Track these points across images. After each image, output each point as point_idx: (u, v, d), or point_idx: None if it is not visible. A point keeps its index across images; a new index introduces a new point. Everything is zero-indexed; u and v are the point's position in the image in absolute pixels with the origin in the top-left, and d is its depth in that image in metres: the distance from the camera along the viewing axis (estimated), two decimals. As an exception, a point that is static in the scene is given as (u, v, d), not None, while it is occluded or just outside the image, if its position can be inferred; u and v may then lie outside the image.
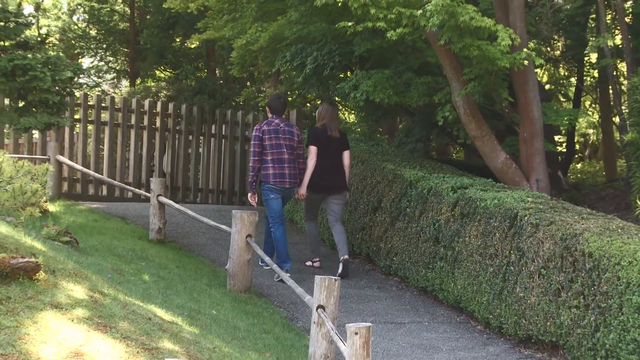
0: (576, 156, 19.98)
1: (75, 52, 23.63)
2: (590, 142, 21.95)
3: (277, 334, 7.07)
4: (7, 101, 12.38)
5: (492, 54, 8.97)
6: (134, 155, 14.89)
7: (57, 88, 11.19)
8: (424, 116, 12.82)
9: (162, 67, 22.91)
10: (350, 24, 9.43)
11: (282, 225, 9.30)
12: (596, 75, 15.49)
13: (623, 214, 10.17)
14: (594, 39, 12.44)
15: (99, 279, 6.30)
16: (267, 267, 9.36)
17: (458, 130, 11.08)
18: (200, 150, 15.71)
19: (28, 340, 4.47)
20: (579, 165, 20.46)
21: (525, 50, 9.27)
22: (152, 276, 8.00)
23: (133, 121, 14.84)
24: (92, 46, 23.54)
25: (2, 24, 10.98)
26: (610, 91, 12.96)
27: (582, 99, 17.02)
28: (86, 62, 24.59)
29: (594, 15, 13.42)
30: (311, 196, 9.69)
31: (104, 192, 14.60)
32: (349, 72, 13.14)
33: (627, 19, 12.16)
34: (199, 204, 14.51)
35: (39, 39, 11.82)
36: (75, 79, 12.43)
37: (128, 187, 12.67)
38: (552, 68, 16.61)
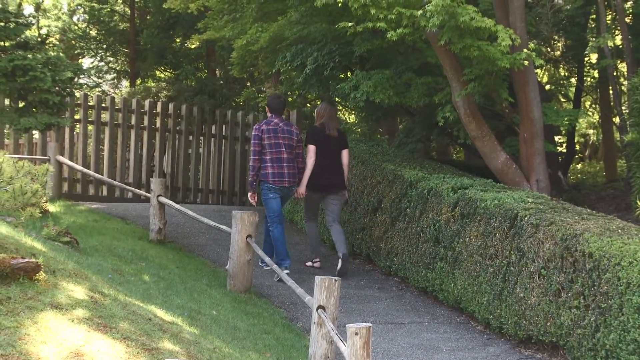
0: (576, 156, 19.97)
1: (76, 52, 23.64)
2: (590, 142, 21.95)
3: (278, 334, 7.07)
4: (7, 101, 12.38)
5: (493, 54, 8.97)
6: (134, 156, 14.89)
7: (57, 88, 11.19)
8: (424, 116, 12.82)
9: (162, 68, 22.91)
10: (350, 24, 9.43)
11: (281, 224, 9.32)
12: (596, 75, 15.50)
13: (623, 215, 10.18)
14: (594, 39, 12.45)
15: (99, 279, 6.30)
16: (267, 268, 9.36)
17: (458, 131, 11.08)
18: (201, 150, 15.71)
19: (28, 341, 4.47)
20: (579, 166, 20.46)
21: (525, 50, 9.27)
22: (153, 276, 8.00)
23: (133, 121, 14.84)
24: (92, 46, 23.55)
25: (2, 24, 10.98)
26: (611, 91, 12.96)
27: (582, 100, 17.02)
28: (86, 62, 24.61)
29: (594, 16, 13.42)
30: (310, 195, 9.70)
31: (104, 193, 14.60)
32: (349, 73, 13.15)
33: (627, 20, 12.16)
34: (199, 205, 14.51)
35: (39, 39, 11.82)
36: (76, 80, 12.42)
37: (128, 187, 12.67)
38: (553, 68, 16.61)
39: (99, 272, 6.94)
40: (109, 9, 22.96)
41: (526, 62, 9.32)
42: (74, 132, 14.93)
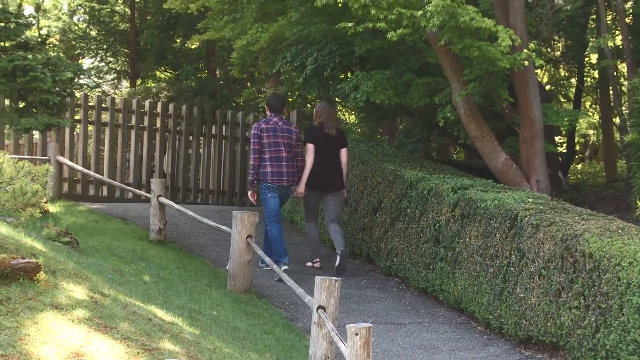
0: (576, 157, 19.97)
1: (76, 52, 23.64)
2: (590, 142, 21.94)
3: (278, 334, 7.07)
4: (7, 102, 12.38)
5: (493, 54, 8.97)
6: (135, 156, 14.89)
7: (57, 89, 11.19)
8: (425, 117, 12.82)
9: (163, 68, 22.91)
10: (350, 24, 9.43)
11: (278, 223, 9.36)
12: (596, 76, 15.50)
13: (623, 215, 10.18)
14: (594, 39, 12.45)
15: (99, 279, 6.30)
16: (268, 268, 9.36)
17: (458, 131, 11.08)
18: (201, 151, 15.71)
19: (28, 341, 4.47)
20: (579, 166, 20.46)
21: (525, 51, 9.27)
22: (153, 277, 8.00)
23: (133, 122, 14.84)
24: (92, 47, 23.55)
25: (2, 24, 10.98)
26: (611, 92, 12.96)
27: (582, 100, 17.02)
28: (86, 62, 24.61)
29: (594, 16, 13.42)
30: (309, 194, 9.71)
31: (105, 193, 14.60)
32: (349, 73, 13.15)
33: (627, 20, 12.16)
34: (199, 205, 14.51)
35: (39, 39, 11.82)
36: (76, 80, 12.42)
37: (128, 187, 12.68)
38: (553, 69, 16.61)
39: (99, 273, 6.94)
40: (109, 10, 22.96)
41: (526, 63, 9.32)
42: (74, 133, 14.93)
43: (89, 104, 14.54)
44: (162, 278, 8.08)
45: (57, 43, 22.96)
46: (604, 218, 7.22)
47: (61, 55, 12.27)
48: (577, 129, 15.73)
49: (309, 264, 9.88)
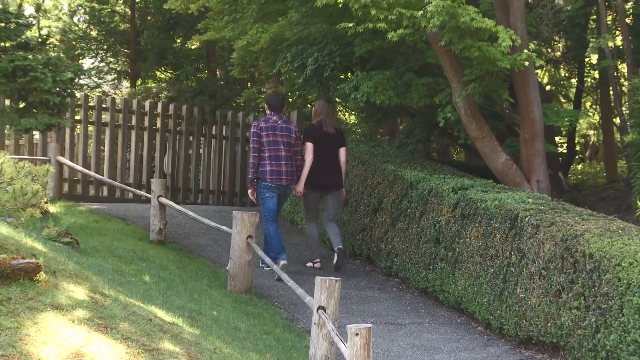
0: (577, 157, 19.97)
1: (76, 53, 23.63)
2: (590, 143, 21.94)
3: (278, 335, 7.07)
4: (7, 102, 12.38)
5: (493, 55, 8.97)
6: (135, 156, 14.88)
7: (57, 89, 11.19)
8: (425, 117, 12.82)
9: (163, 68, 22.91)
10: (350, 25, 9.43)
11: (275, 223, 9.39)
12: (597, 76, 15.50)
13: (624, 215, 10.18)
14: (594, 40, 12.44)
15: (99, 279, 6.30)
16: (268, 268, 9.37)
17: (459, 131, 11.08)
18: (201, 151, 15.70)
19: (29, 341, 4.47)
20: (579, 166, 20.46)
21: (525, 51, 9.27)
22: (153, 277, 8.00)
23: (134, 122, 14.83)
24: (92, 47, 23.54)
25: (2, 24, 10.98)
26: (611, 92, 12.96)
27: (582, 100, 17.02)
28: (87, 63, 24.59)
29: (594, 17, 13.42)
30: (308, 193, 9.73)
31: (105, 193, 14.59)
32: (349, 73, 13.15)
33: (627, 20, 12.16)
34: (199, 205, 14.51)
35: (39, 39, 11.82)
36: (76, 80, 12.43)
37: (129, 188, 12.68)
38: (553, 69, 16.61)
39: (100, 273, 6.94)
40: (109, 10, 22.95)
41: (526, 63, 9.32)
42: (75, 133, 14.92)
43: (89, 104, 14.54)
44: (163, 278, 8.08)
45: (58, 43, 22.95)
46: (604, 218, 7.22)
47: (61, 55, 12.28)
48: (577, 129, 15.73)
49: (310, 264, 9.88)
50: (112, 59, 23.99)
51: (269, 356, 6.32)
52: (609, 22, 12.67)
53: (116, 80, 25.25)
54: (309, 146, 9.61)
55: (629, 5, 12.67)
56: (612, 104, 13.37)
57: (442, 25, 8.81)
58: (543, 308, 6.89)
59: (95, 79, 24.28)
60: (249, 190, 9.51)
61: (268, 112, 9.58)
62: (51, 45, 20.49)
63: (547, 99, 12.45)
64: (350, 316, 7.85)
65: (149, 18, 22.32)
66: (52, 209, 10.91)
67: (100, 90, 23.63)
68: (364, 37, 11.25)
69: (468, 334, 7.74)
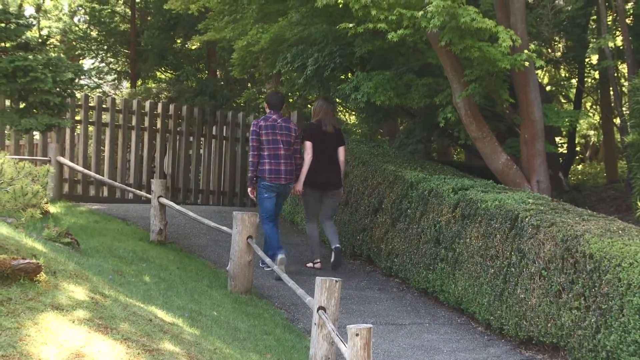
0: (577, 157, 19.97)
1: (76, 53, 23.63)
2: (591, 143, 21.94)
3: (278, 335, 7.07)
4: (8, 102, 12.38)
5: (493, 55, 8.97)
6: (135, 157, 14.88)
7: (58, 89, 11.19)
8: (425, 117, 12.82)
9: (163, 69, 22.91)
10: (351, 25, 9.43)
11: (272, 222, 9.41)
12: (597, 76, 15.50)
13: (624, 216, 10.18)
14: (594, 40, 12.45)
15: (99, 280, 6.30)
16: (268, 269, 9.37)
17: (459, 132, 11.08)
18: (201, 151, 15.70)
19: (29, 342, 4.47)
20: (579, 167, 20.46)
21: (526, 51, 9.27)
22: (153, 277, 8.00)
23: (134, 122, 14.83)
24: (93, 47, 23.54)
25: (3, 25, 10.98)
26: (611, 92, 12.96)
27: (583, 101, 17.02)
28: (87, 63, 24.59)
29: (594, 17, 13.42)
30: (308, 192, 9.74)
31: (105, 194, 14.59)
32: (349, 74, 13.15)
33: (628, 20, 12.16)
34: (199, 205, 14.51)
35: (39, 40, 11.82)
36: (76, 80, 12.42)
37: (129, 188, 12.68)
38: (553, 69, 16.61)
39: (100, 273, 6.94)
40: (109, 10, 22.96)
41: (527, 63, 9.32)
42: (75, 133, 14.93)
43: (90, 104, 14.54)
44: (163, 279, 8.08)
45: (58, 44, 22.96)
46: (604, 219, 7.22)
47: (62, 55, 12.30)
48: (577, 129, 15.73)
49: (310, 264, 9.88)
50: (112, 60, 23.99)
51: (269, 356, 6.32)
52: (609, 23, 12.67)
53: (116, 81, 25.25)
54: (308, 145, 9.62)
55: (629, 5, 12.67)
56: (613, 105, 13.36)
57: (443, 26, 8.81)
58: (543, 308, 6.89)
59: (96, 80, 24.28)
60: (249, 189, 9.53)
61: (268, 110, 9.59)
62: (51, 46, 20.49)
63: (548, 100, 12.45)
64: (351, 316, 7.85)
65: (149, 18, 22.32)
66: (53, 209, 10.91)
67: (100, 90, 23.63)
68: (364, 38, 11.25)
69: (468, 334, 7.74)
